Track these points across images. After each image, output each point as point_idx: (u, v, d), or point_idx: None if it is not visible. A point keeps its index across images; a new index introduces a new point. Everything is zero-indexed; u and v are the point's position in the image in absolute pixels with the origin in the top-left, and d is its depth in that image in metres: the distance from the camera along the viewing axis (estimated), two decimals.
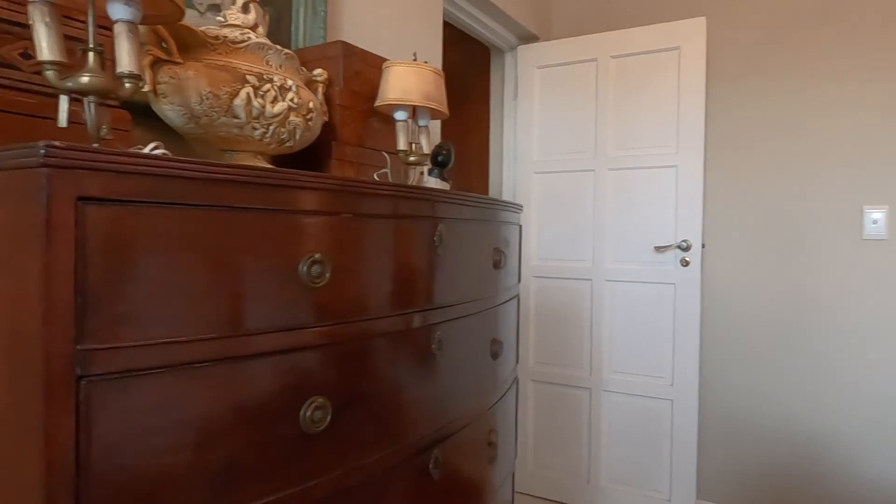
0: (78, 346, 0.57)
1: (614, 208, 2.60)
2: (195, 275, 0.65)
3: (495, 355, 1.20)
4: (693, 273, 2.44)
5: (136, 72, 0.76)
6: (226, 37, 1.02)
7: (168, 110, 0.99)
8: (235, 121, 1.02)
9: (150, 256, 0.61)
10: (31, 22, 0.69)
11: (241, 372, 0.69)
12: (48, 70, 0.70)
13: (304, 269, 0.73)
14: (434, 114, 1.42)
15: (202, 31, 1.00)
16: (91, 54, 0.74)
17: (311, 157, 1.29)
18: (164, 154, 0.71)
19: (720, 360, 2.54)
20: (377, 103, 1.35)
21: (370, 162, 1.41)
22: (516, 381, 1.40)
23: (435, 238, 0.96)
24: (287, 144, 1.14)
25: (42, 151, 0.54)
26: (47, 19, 0.69)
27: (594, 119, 2.63)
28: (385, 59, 1.43)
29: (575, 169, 2.67)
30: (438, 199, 0.97)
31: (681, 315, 2.46)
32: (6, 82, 0.81)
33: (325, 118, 1.26)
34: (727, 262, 2.53)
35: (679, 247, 2.45)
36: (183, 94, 0.97)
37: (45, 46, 0.69)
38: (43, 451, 0.55)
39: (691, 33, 2.42)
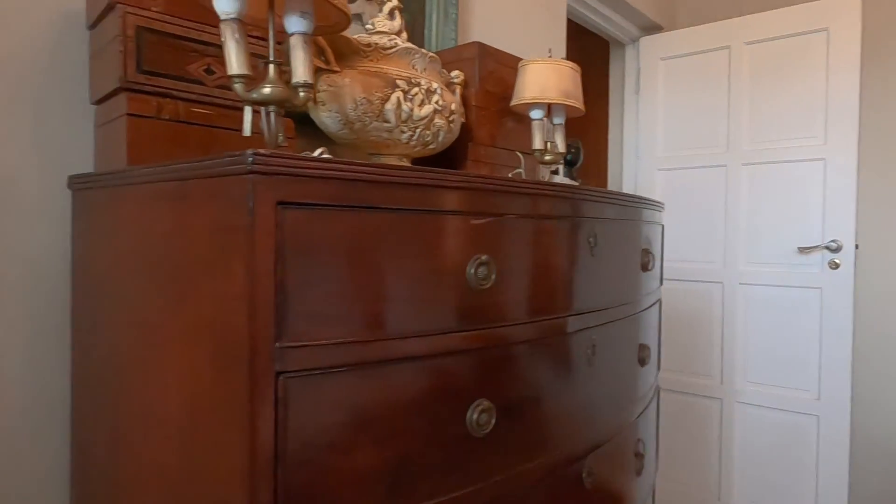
0: (277, 344, 0.59)
1: (749, 206, 2.41)
2: (374, 276, 0.66)
3: (643, 362, 1.14)
4: (844, 277, 2.20)
5: (310, 81, 0.79)
6: (377, 43, 1.05)
7: (325, 117, 1.03)
8: (386, 125, 1.04)
9: (334, 258, 0.63)
10: (222, 39, 0.74)
11: (415, 372, 0.70)
12: (237, 83, 0.74)
13: (472, 270, 0.73)
14: (569, 111, 1.39)
15: (356, 40, 1.04)
16: (272, 66, 0.78)
17: (446, 158, 1.30)
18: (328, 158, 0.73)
19: (874, 374, 2.28)
20: (513, 102, 1.34)
21: (504, 162, 1.40)
22: (658, 389, 1.33)
23: (590, 239, 0.93)
24: (430, 147, 1.15)
25: (250, 159, 0.57)
26: (237, 36, 0.74)
27: (726, 111, 2.45)
28: (518, 58, 1.41)
29: (704, 165, 2.51)
30: (593, 199, 0.93)
31: (829, 323, 2.23)
32: (192, 96, 0.88)
33: (462, 119, 1.27)
34: (884, 264, 2.26)
35: (827, 248, 2.22)
36: (339, 100, 1.01)
37: (235, 61, 0.74)
38: (247, 441, 0.59)
39: (843, 12, 2.18)
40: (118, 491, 0.81)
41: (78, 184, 0.89)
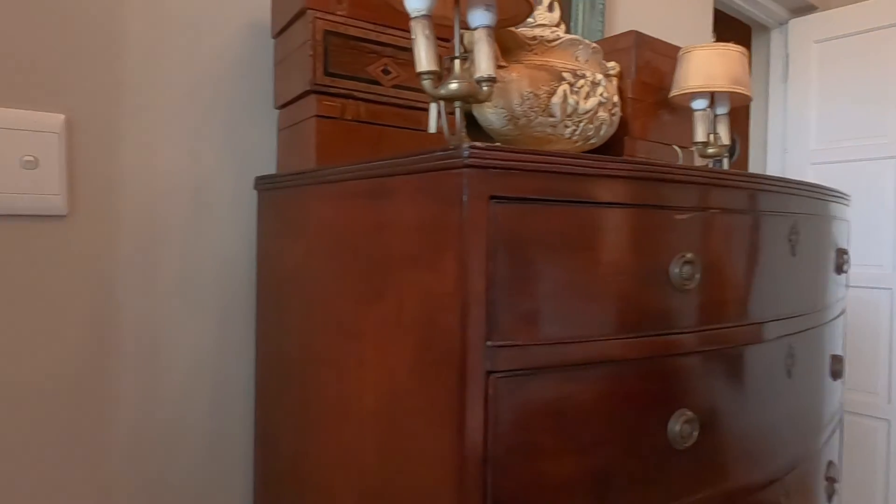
0: (488, 343, 0.58)
1: None
2: (578, 273, 0.63)
3: (836, 375, 1.02)
4: None
5: (493, 75, 0.77)
6: (542, 36, 1.02)
7: (491, 113, 1.02)
8: (550, 119, 1.01)
9: (541, 254, 0.61)
10: (412, 36, 0.74)
11: (618, 376, 0.66)
12: (426, 79, 0.74)
13: (677, 269, 0.68)
14: (735, 100, 1.28)
15: (520, 33, 1.02)
16: (457, 62, 0.77)
17: (601, 154, 1.25)
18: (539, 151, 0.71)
19: None
20: (675, 93, 1.26)
21: (659, 157, 1.32)
22: (842, 407, 1.19)
23: (791, 237, 0.84)
24: (591, 141, 1.11)
25: (466, 153, 0.56)
26: (427, 32, 0.74)
27: None
28: (675, 47, 1.33)
29: (868, 157, 2.24)
30: (795, 192, 0.84)
31: None
32: (371, 97, 0.89)
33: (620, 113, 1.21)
34: None
35: None
36: (506, 96, 0.99)
37: (424, 57, 0.74)
38: (457, 442, 0.58)
39: None
40: (305, 483, 0.83)
41: (264, 184, 0.94)
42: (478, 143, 0.56)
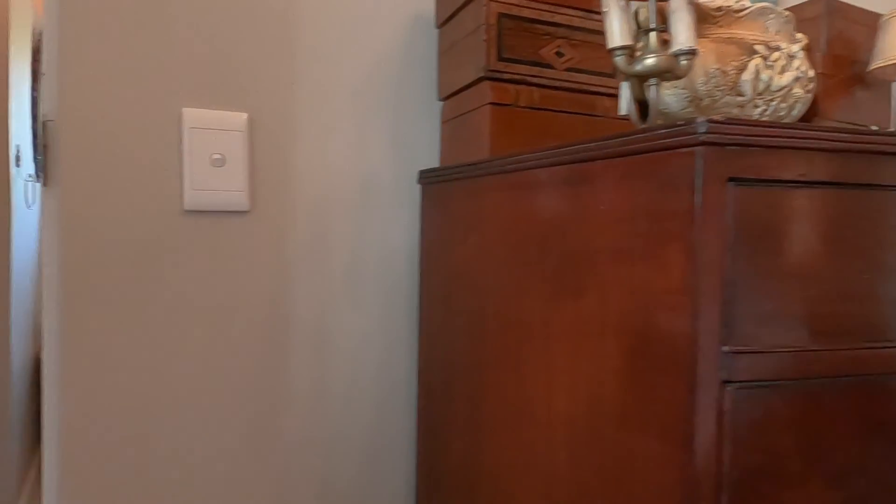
0: (724, 348, 0.50)
1: None
2: (830, 269, 0.53)
3: None
4: None
5: (694, 48, 0.69)
6: (729, 7, 0.91)
7: (668, 95, 0.92)
8: (739, 99, 0.90)
9: (785, 246, 0.52)
10: (604, 9, 0.68)
11: (877, 392, 0.55)
12: (619, 55, 0.68)
13: None
14: None
15: (704, 4, 0.92)
16: (653, 35, 0.69)
17: None
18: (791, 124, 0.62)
19: None
20: (878, 64, 1.09)
21: None
22: None
23: None
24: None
25: (702, 129, 0.48)
26: (621, 3, 0.67)
27: None
28: (875, 14, 1.15)
29: None
30: None
31: None
32: (545, 81, 0.84)
33: None
34: None
35: None
36: (689, 74, 0.89)
37: (618, 31, 0.67)
38: (684, 461, 0.50)
39: None
40: (477, 489, 0.79)
41: (429, 178, 0.92)
42: (714, 117, 0.49)
